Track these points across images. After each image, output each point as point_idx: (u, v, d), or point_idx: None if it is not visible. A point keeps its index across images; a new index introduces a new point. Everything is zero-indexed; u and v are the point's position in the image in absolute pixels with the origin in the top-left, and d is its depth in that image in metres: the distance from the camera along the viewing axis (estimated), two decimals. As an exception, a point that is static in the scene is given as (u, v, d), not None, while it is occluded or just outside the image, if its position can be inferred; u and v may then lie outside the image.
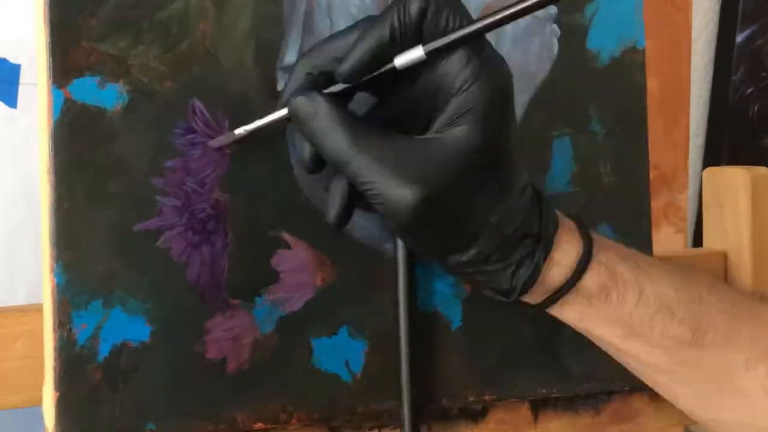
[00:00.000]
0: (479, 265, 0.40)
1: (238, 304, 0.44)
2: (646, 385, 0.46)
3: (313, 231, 0.45)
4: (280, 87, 0.44)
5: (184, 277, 0.43)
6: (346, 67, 0.38)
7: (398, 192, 0.37)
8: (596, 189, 0.50)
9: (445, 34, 0.37)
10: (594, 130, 0.50)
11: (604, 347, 0.44)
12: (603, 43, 0.49)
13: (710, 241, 0.62)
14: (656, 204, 0.90)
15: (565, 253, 0.41)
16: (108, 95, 0.41)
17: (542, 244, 0.40)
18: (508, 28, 0.48)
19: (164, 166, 0.42)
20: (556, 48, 0.49)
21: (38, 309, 0.43)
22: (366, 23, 0.39)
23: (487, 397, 0.48)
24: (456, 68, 0.37)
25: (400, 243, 0.46)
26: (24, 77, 0.61)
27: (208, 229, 0.43)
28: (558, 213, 0.42)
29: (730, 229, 0.60)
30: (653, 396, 0.52)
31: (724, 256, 0.61)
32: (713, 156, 0.97)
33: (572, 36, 0.49)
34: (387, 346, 0.46)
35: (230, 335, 0.44)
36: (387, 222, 0.39)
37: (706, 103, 0.98)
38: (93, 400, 0.41)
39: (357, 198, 0.39)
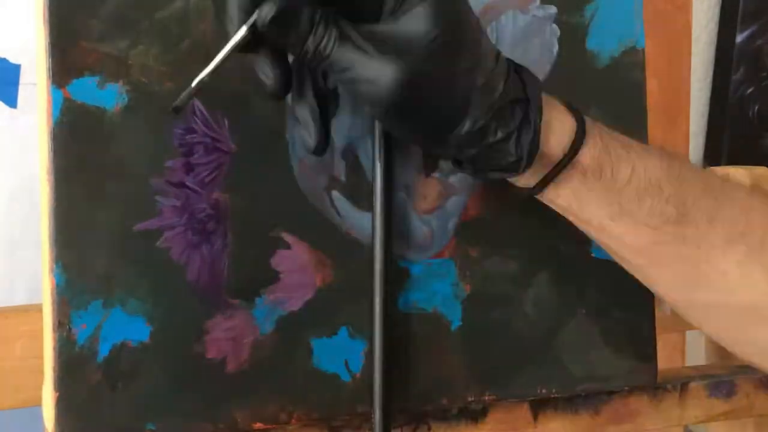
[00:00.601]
0: (479, 140, 0.40)
1: (237, 304, 0.44)
2: (646, 386, 0.46)
3: (313, 231, 0.45)
4: (279, 87, 0.44)
5: (184, 277, 0.43)
6: None
7: (378, 71, 0.37)
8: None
9: None
10: (594, 130, 0.49)
11: (589, 230, 0.44)
12: (603, 43, 0.49)
13: (710, 241, 0.62)
14: (656, 204, 0.90)
15: (561, 123, 0.41)
16: (108, 95, 0.41)
17: (532, 107, 0.40)
18: (508, 29, 0.48)
19: (164, 166, 0.42)
20: (555, 48, 0.49)
21: (38, 309, 0.43)
22: None
23: (486, 397, 0.48)
24: None
25: (378, 235, 0.45)
26: (24, 77, 0.61)
27: (208, 229, 0.43)
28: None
29: (729, 229, 0.60)
30: (653, 396, 0.52)
31: (724, 256, 0.61)
32: (713, 156, 0.97)
33: (572, 36, 0.49)
34: (387, 346, 0.46)
35: (230, 335, 0.43)
36: (374, 110, 0.38)
37: (706, 104, 0.97)
38: (93, 400, 0.41)
39: (328, 115, 0.40)
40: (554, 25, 0.49)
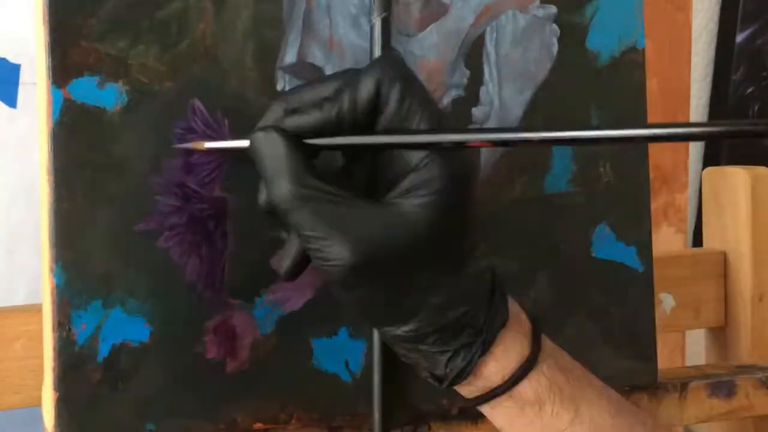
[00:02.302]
0: (414, 343, 0.39)
1: (237, 304, 0.44)
2: (646, 386, 0.46)
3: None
4: (279, 87, 0.44)
5: (184, 278, 0.43)
6: (289, 123, 0.38)
7: (336, 251, 0.36)
8: (596, 189, 0.50)
9: (397, 117, 0.38)
10: (594, 130, 0.50)
11: None
12: (603, 43, 0.49)
13: (710, 240, 0.62)
14: (656, 204, 0.90)
15: (507, 353, 0.39)
16: (107, 95, 0.41)
17: (482, 338, 0.39)
18: (508, 28, 0.48)
19: (164, 166, 0.42)
20: (555, 48, 0.49)
21: (38, 309, 0.43)
22: (342, 81, 0.39)
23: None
24: None
25: None
26: (24, 77, 0.61)
27: (208, 229, 0.43)
28: (516, 309, 0.41)
29: (729, 228, 0.61)
30: (652, 396, 0.52)
31: (724, 255, 0.61)
32: (713, 156, 0.97)
33: (572, 36, 0.49)
34: (387, 346, 0.46)
35: (230, 335, 0.43)
36: (325, 280, 0.38)
37: (706, 103, 0.98)
38: (92, 400, 0.41)
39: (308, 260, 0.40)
40: (554, 25, 0.49)
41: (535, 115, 0.48)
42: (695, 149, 0.97)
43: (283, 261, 0.40)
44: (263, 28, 0.44)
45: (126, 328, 0.42)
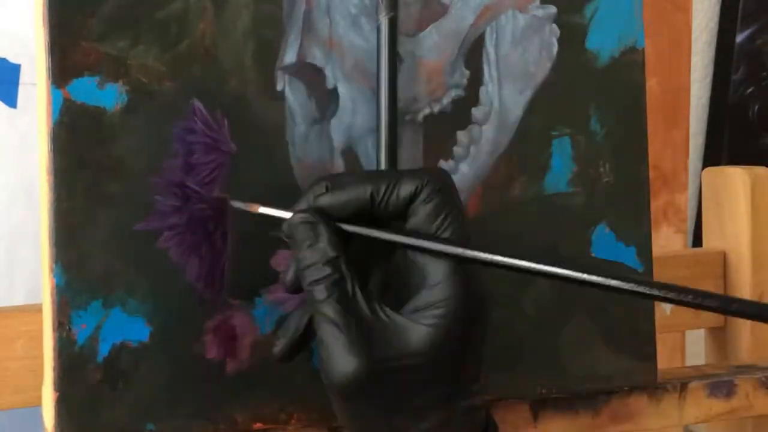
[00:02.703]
0: None
1: (237, 304, 0.44)
2: (646, 386, 0.46)
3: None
4: (279, 87, 0.44)
5: (184, 278, 0.43)
6: (324, 201, 0.39)
7: (343, 357, 0.37)
8: (596, 189, 0.50)
9: (427, 227, 0.38)
10: (594, 130, 0.50)
11: None
12: (602, 43, 0.49)
13: (710, 240, 0.62)
14: (656, 204, 0.90)
15: None
16: (107, 95, 0.41)
17: None
18: (508, 28, 0.48)
19: (164, 165, 0.42)
20: (555, 48, 0.49)
21: (38, 309, 0.43)
22: (375, 177, 0.39)
23: (486, 397, 0.48)
24: (437, 261, 0.38)
25: None
26: (24, 77, 0.61)
27: (207, 229, 0.43)
28: None
29: (729, 228, 0.61)
30: (652, 396, 0.52)
31: (724, 255, 0.61)
32: (713, 156, 0.97)
33: (572, 36, 0.49)
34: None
35: (230, 335, 0.43)
36: (322, 378, 0.38)
37: (706, 103, 0.98)
38: (92, 400, 0.41)
39: (311, 338, 0.40)
40: (554, 25, 0.49)
41: (535, 115, 0.48)
42: (695, 149, 0.98)
43: (278, 342, 0.41)
44: (263, 29, 0.44)
45: (126, 328, 0.42)
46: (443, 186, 0.39)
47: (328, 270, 0.38)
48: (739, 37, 0.94)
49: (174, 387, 0.43)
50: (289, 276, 0.40)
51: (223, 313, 0.43)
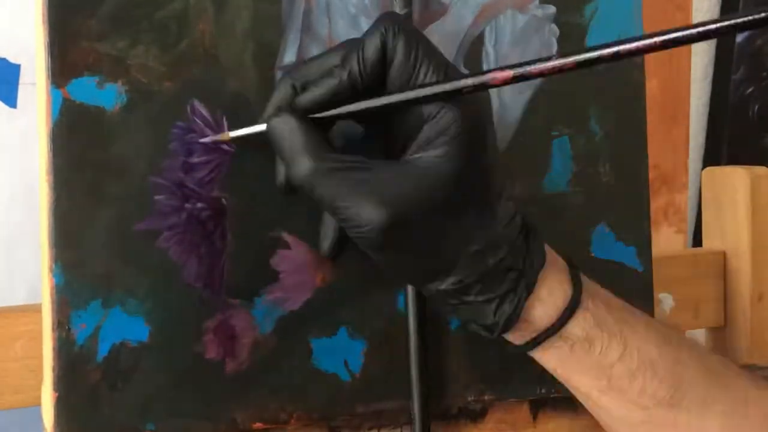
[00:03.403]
0: (460, 295, 0.39)
1: (237, 304, 0.44)
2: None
3: (312, 231, 0.45)
4: (279, 87, 0.44)
5: (183, 277, 0.43)
6: (303, 100, 0.39)
7: (366, 215, 0.37)
8: (596, 189, 0.50)
9: (405, 71, 0.38)
10: (593, 130, 0.50)
11: (578, 396, 0.43)
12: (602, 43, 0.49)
13: (709, 240, 0.62)
14: (656, 204, 0.90)
15: (552, 294, 0.40)
16: (107, 95, 0.41)
17: (525, 280, 0.39)
18: (507, 28, 0.48)
19: (163, 165, 0.42)
20: (555, 48, 0.49)
21: (38, 309, 0.43)
22: (347, 48, 0.39)
23: (486, 397, 0.48)
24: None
25: None
26: (24, 77, 0.61)
27: (207, 229, 0.43)
28: (549, 250, 0.41)
29: (729, 228, 0.61)
30: (653, 396, 0.52)
31: (724, 255, 0.61)
32: (713, 156, 0.97)
33: (571, 36, 0.49)
34: (386, 346, 0.46)
35: (229, 335, 0.43)
36: (362, 248, 0.38)
37: (706, 103, 0.98)
38: (92, 400, 0.41)
39: (347, 241, 0.40)
40: (553, 25, 0.49)
41: (535, 115, 0.48)
42: (695, 149, 0.98)
43: (323, 243, 0.41)
44: (263, 28, 0.44)
45: (125, 327, 0.42)
46: (399, 25, 0.38)
47: (311, 154, 0.38)
48: (739, 38, 0.94)
49: (174, 387, 0.43)
50: (280, 179, 0.41)
51: (223, 313, 0.43)
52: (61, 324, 0.41)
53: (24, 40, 0.60)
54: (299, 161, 0.38)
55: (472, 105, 0.38)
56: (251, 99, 0.43)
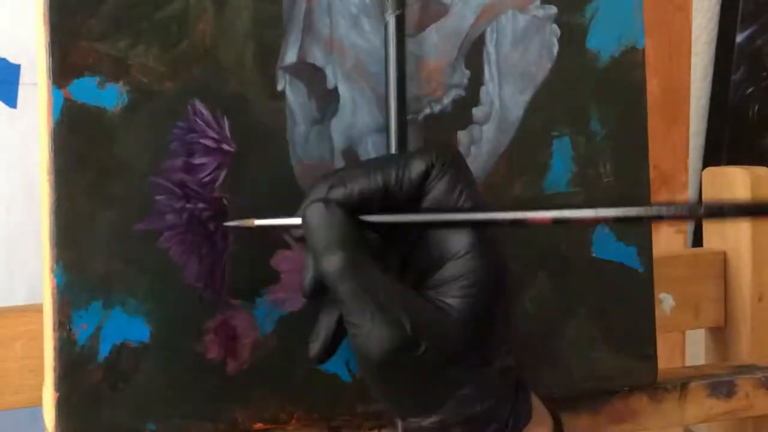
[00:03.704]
0: (439, 430, 0.38)
1: (238, 304, 0.44)
2: (646, 386, 0.46)
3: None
4: (280, 87, 0.44)
5: (184, 278, 0.43)
6: (335, 194, 0.38)
7: (378, 331, 0.36)
8: (596, 189, 0.50)
9: (445, 202, 0.38)
10: (594, 130, 0.50)
11: None
12: (603, 43, 0.49)
13: (710, 241, 0.62)
14: (656, 204, 0.90)
15: None
16: (108, 95, 0.41)
17: (509, 428, 0.39)
18: (508, 29, 0.48)
19: (164, 166, 0.42)
20: (556, 48, 0.49)
21: (38, 309, 0.43)
22: (389, 161, 0.39)
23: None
24: (458, 233, 0.37)
25: None
26: (24, 77, 0.61)
27: (208, 229, 0.43)
28: (539, 406, 0.41)
29: (729, 229, 0.61)
30: (653, 396, 0.52)
31: (724, 255, 0.61)
32: (713, 156, 0.97)
33: (572, 36, 0.49)
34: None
35: (230, 335, 0.44)
36: (358, 361, 0.38)
37: (706, 104, 0.98)
38: (93, 400, 0.41)
39: (343, 336, 0.39)
40: (554, 25, 0.49)
41: (535, 115, 0.48)
42: (695, 149, 0.98)
43: (312, 344, 0.40)
44: (263, 29, 0.44)
45: (126, 328, 0.42)
46: (453, 158, 0.38)
47: (348, 248, 0.37)
48: (739, 38, 0.94)
49: (174, 387, 0.43)
50: (308, 279, 0.39)
51: (224, 313, 0.43)
52: (63, 324, 0.41)
53: (24, 40, 0.60)
54: (333, 252, 0.37)
55: (496, 257, 0.38)
56: (252, 99, 0.43)
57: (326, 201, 0.38)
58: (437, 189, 0.38)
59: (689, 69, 0.92)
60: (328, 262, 0.37)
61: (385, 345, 0.36)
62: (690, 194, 0.94)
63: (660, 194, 0.91)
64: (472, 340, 0.37)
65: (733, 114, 0.95)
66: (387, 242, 0.40)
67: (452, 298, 0.37)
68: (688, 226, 0.95)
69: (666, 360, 0.80)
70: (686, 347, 0.86)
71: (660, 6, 0.89)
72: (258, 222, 0.41)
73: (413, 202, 0.38)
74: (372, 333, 0.36)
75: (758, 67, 0.95)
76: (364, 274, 0.37)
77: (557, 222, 0.36)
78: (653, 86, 0.90)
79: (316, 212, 0.38)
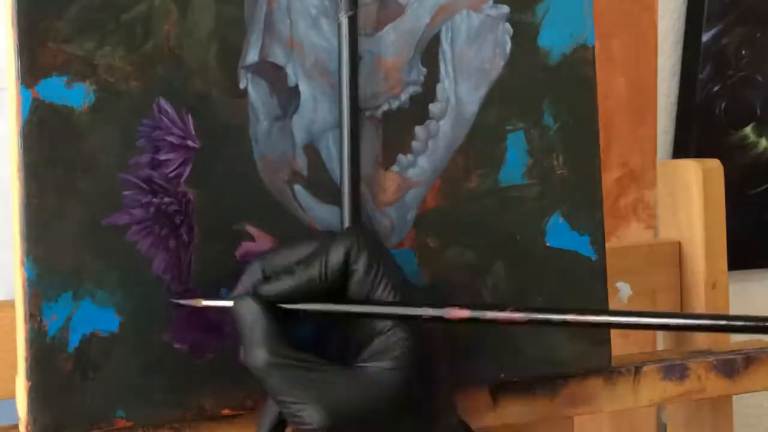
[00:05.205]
0: None
1: (204, 295, 0.45)
2: (601, 370, 0.47)
3: (276, 224, 0.46)
4: (242, 85, 0.46)
5: (152, 270, 0.44)
6: (266, 290, 0.42)
7: (308, 415, 0.39)
8: (550, 180, 0.51)
9: (365, 282, 0.41)
10: (547, 124, 0.51)
11: None
12: (554, 40, 0.51)
13: (665, 231, 0.64)
14: (625, 200, 0.92)
15: None
16: (75, 95, 0.43)
17: None
18: (463, 28, 0.50)
19: (131, 162, 0.44)
20: (509, 46, 0.50)
21: (12, 305, 0.44)
22: (315, 247, 0.42)
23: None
24: None
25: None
26: (2, 82, 0.62)
27: (174, 222, 0.44)
28: None
29: (683, 219, 0.62)
30: (608, 379, 0.54)
31: (679, 245, 0.63)
32: (681, 153, 0.99)
33: (524, 34, 0.50)
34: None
35: (197, 326, 0.45)
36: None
37: (674, 102, 0.99)
38: (64, 389, 0.42)
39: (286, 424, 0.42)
40: (507, 24, 0.50)
41: (490, 110, 0.50)
42: (664, 146, 0.99)
43: (259, 429, 0.43)
44: (226, 30, 0.45)
45: (96, 318, 0.43)
46: (365, 241, 0.42)
47: (273, 343, 0.40)
48: (705, 37, 0.95)
49: (143, 375, 0.44)
50: (242, 356, 0.42)
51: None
52: (33, 316, 0.42)
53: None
54: (255, 351, 0.41)
55: (418, 327, 0.41)
56: (215, 97, 0.45)
57: (249, 297, 0.42)
58: (357, 271, 0.41)
59: (656, 68, 0.93)
60: (254, 359, 0.41)
61: (318, 427, 0.39)
62: (659, 191, 0.96)
63: (629, 190, 0.92)
64: (406, 406, 0.40)
65: (700, 112, 0.97)
66: (322, 323, 0.44)
67: (383, 369, 0.40)
68: (657, 222, 0.96)
69: (624, 347, 0.81)
70: (657, 339, 0.88)
71: (627, 7, 0.90)
72: (205, 302, 0.44)
73: (340, 283, 0.42)
74: (304, 419, 0.39)
75: (724, 66, 0.97)
76: (286, 369, 0.40)
77: (472, 320, 0.40)
78: (621, 85, 0.92)
79: (243, 308, 0.42)
